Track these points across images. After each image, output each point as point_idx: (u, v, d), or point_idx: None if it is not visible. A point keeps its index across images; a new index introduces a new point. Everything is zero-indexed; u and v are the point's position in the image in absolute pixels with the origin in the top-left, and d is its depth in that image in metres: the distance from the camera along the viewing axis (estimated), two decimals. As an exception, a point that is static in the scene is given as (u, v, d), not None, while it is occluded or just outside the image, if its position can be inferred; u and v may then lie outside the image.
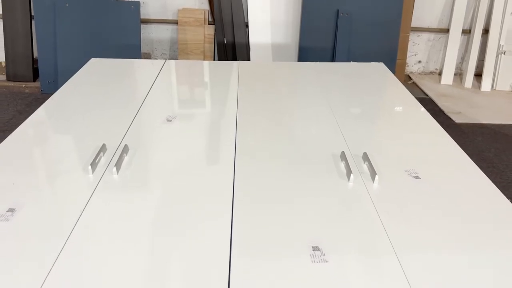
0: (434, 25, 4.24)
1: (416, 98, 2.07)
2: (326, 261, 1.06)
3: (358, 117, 1.84)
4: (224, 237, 1.12)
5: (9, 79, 3.83)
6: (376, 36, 3.64)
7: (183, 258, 1.05)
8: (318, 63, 2.48)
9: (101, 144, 1.50)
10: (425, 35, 4.28)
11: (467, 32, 4.20)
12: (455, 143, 1.66)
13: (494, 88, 4.15)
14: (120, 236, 1.11)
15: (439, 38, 4.30)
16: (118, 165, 1.40)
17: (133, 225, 1.15)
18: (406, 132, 1.75)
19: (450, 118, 3.55)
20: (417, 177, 1.42)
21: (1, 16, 3.78)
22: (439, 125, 1.79)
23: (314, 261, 1.06)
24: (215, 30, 3.98)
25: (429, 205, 1.29)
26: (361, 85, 2.20)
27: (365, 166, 1.46)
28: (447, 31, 4.20)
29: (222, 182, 1.36)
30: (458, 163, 1.53)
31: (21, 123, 1.69)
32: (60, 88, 2.05)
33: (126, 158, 1.46)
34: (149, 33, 4.10)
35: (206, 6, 4.03)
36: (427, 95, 4.00)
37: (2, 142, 1.55)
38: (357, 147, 1.58)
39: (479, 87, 4.15)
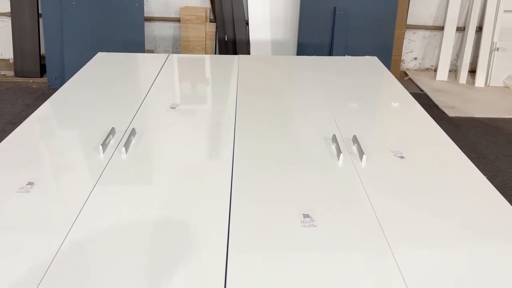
0: (429, 22, 4.35)
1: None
2: (315, 226, 1.18)
3: (350, 103, 1.96)
4: (224, 207, 1.24)
5: (17, 75, 3.96)
6: (371, 32, 3.76)
7: (185, 215, 1.17)
8: (315, 57, 2.60)
9: (110, 128, 1.63)
10: (420, 33, 4.40)
11: (461, 29, 4.32)
12: (438, 126, 1.77)
13: (487, 84, 4.26)
14: (127, 205, 1.24)
15: (435, 35, 4.41)
16: (126, 146, 1.52)
17: (139, 196, 1.28)
18: (393, 118, 1.87)
19: (444, 112, 3.66)
20: (402, 157, 1.54)
21: (10, 15, 3.91)
22: (424, 110, 1.91)
23: (304, 226, 1.18)
24: (216, 28, 4.10)
25: (412, 181, 1.40)
26: (354, 77, 2.31)
27: (354, 148, 1.58)
28: (442, 28, 4.31)
29: (221, 157, 1.48)
30: (440, 145, 1.64)
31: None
32: (70, 79, 2.17)
33: (133, 140, 1.59)
34: (152, 30, 4.23)
35: (208, 4, 4.15)
36: (422, 91, 4.12)
37: (20, 126, 1.68)
38: (347, 131, 1.70)
39: (473, 83, 4.27)
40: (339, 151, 1.52)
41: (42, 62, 3.97)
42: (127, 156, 1.49)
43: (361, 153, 1.51)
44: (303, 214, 1.23)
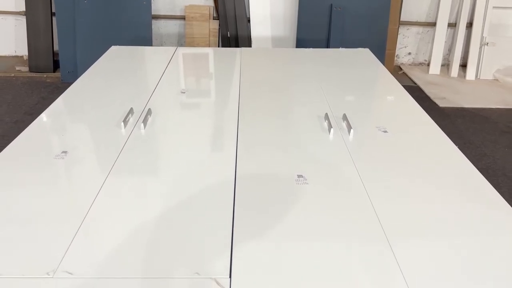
0: (422, 19, 4.57)
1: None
2: (307, 184, 1.40)
3: (342, 89, 2.18)
4: (230, 169, 1.46)
5: (31, 70, 4.19)
6: (366, 28, 3.98)
7: (197, 177, 1.39)
8: (311, 49, 2.82)
9: (129, 108, 1.85)
10: (414, 29, 4.62)
11: (452, 25, 4.53)
12: (421, 108, 1.99)
13: (478, 77, 4.47)
14: (147, 170, 1.46)
15: (427, 31, 4.63)
16: (144, 122, 1.74)
17: (157, 161, 1.50)
18: (380, 101, 2.09)
19: (435, 103, 3.87)
20: (385, 132, 1.76)
21: (25, 14, 4.14)
22: (408, 94, 2.13)
23: (298, 183, 1.39)
24: (219, 25, 4.33)
25: (392, 150, 1.62)
26: (347, 66, 2.53)
27: (343, 124, 1.80)
28: (434, 24, 4.53)
29: (227, 131, 1.70)
30: (421, 124, 1.86)
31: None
32: (89, 69, 2.39)
33: (150, 118, 1.81)
34: (158, 28, 4.45)
35: (211, 3, 4.37)
36: (415, 84, 4.33)
37: (49, 107, 1.90)
38: (338, 111, 1.91)
39: (464, 76, 4.48)
40: (330, 127, 1.74)
41: (55, 58, 4.19)
42: (145, 131, 1.71)
43: (349, 128, 1.73)
44: (297, 175, 1.44)
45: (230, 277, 1.02)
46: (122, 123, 1.72)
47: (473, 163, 1.56)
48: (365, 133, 1.74)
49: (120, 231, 1.16)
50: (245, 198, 1.31)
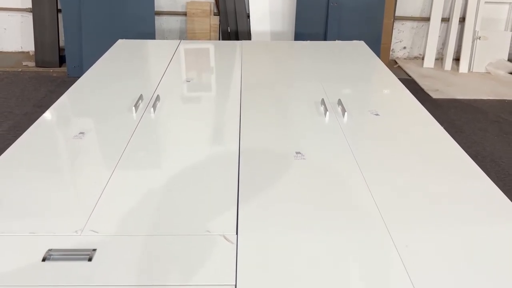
0: (417, 14, 4.71)
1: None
2: (304, 159, 1.54)
3: (337, 77, 2.32)
4: (234, 146, 1.60)
5: (38, 65, 4.32)
6: (362, 22, 4.12)
7: (204, 151, 1.53)
8: (309, 41, 2.96)
9: (139, 95, 1.98)
10: (409, 23, 4.76)
11: (446, 20, 4.67)
12: (412, 95, 2.13)
13: (470, 70, 4.61)
14: (158, 146, 1.60)
15: (422, 26, 4.77)
16: (154, 107, 1.88)
17: (168, 141, 1.64)
18: (373, 88, 2.23)
19: (429, 95, 4.02)
20: (377, 114, 1.90)
21: (31, 10, 4.27)
22: (399, 81, 2.27)
23: (296, 159, 1.53)
24: (219, 20, 4.46)
25: (382, 130, 1.76)
26: (343, 57, 2.67)
27: (338, 108, 1.94)
28: (428, 19, 4.66)
29: (230, 116, 1.84)
30: (412, 108, 2.00)
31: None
32: (98, 61, 2.52)
33: (158, 104, 1.94)
34: (161, 24, 4.59)
35: (212, -1, 4.51)
36: (410, 77, 4.47)
37: (64, 95, 2.04)
38: (333, 97, 2.05)
39: (458, 69, 4.62)
40: (326, 110, 1.88)
41: (60, 54, 4.32)
42: (155, 115, 1.85)
43: (343, 111, 1.87)
44: (295, 152, 1.58)
45: (237, 233, 1.16)
46: (133, 108, 1.85)
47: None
48: (358, 116, 1.88)
49: (137, 196, 1.30)
50: (248, 169, 1.45)
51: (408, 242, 1.14)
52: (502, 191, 1.37)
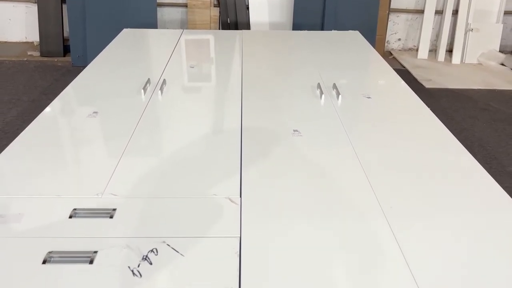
0: (411, 6, 4.84)
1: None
2: (301, 136, 1.68)
3: (332, 64, 2.45)
4: (236, 124, 1.74)
5: (42, 55, 4.44)
6: (358, 14, 4.25)
7: (209, 129, 1.67)
8: (306, 31, 3.09)
9: (146, 79, 2.12)
10: (403, 16, 4.89)
11: (439, 12, 4.80)
12: (401, 79, 2.27)
13: (463, 61, 4.75)
14: (166, 123, 1.74)
15: (416, 18, 4.90)
16: (161, 90, 2.01)
17: (175, 120, 1.78)
18: (366, 73, 2.37)
19: (421, 84, 4.16)
20: (369, 98, 2.04)
21: (36, 1, 4.38)
22: (391, 68, 2.41)
23: (293, 135, 1.67)
24: (219, 12, 4.58)
25: (372, 111, 1.91)
26: (338, 45, 2.81)
27: (333, 92, 2.07)
28: (422, 12, 4.79)
29: (232, 98, 1.97)
30: (402, 92, 2.14)
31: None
32: (104, 49, 2.65)
33: (165, 87, 2.08)
34: (162, 15, 4.70)
35: (212, -9, 4.63)
36: (404, 67, 4.61)
37: (75, 79, 2.16)
38: (329, 81, 2.19)
39: (450, 60, 4.76)
40: (321, 93, 2.02)
41: (65, 44, 4.44)
42: (162, 97, 1.98)
43: (338, 94, 2.01)
44: (293, 130, 1.72)
45: (240, 196, 1.30)
46: (142, 90, 1.99)
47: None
48: (351, 98, 2.02)
49: (150, 164, 1.44)
50: (250, 143, 1.59)
51: (392, 204, 1.29)
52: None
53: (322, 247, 1.12)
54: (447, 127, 1.84)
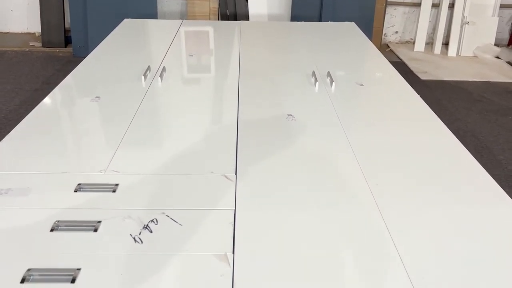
0: (408, -1, 4.91)
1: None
2: (295, 120, 1.75)
3: (327, 53, 2.52)
4: (233, 109, 1.81)
5: (44, 45, 4.50)
6: (355, 6, 4.31)
7: (208, 111, 1.74)
8: (303, 22, 3.16)
9: (146, 66, 2.19)
10: (401, 9, 4.95)
11: (436, 5, 4.86)
12: (393, 67, 2.34)
13: (459, 54, 4.82)
14: (166, 109, 1.81)
15: (413, 11, 4.96)
16: (161, 77, 2.08)
17: (174, 106, 1.85)
18: (361, 62, 2.44)
19: (417, 76, 4.22)
20: (361, 85, 2.11)
21: (37, -8, 4.44)
22: (384, 57, 2.48)
23: (287, 119, 1.75)
24: (219, 4, 4.64)
25: (364, 98, 1.98)
26: (334, 36, 2.88)
27: (327, 79, 2.15)
28: (419, 5, 4.85)
29: (229, 85, 2.05)
30: (393, 80, 2.21)
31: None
32: (105, 39, 2.71)
33: (165, 74, 2.15)
34: (162, 6, 4.76)
35: (211, -17, 4.68)
36: (401, 59, 4.67)
37: (78, 66, 2.23)
38: (323, 70, 2.26)
39: (447, 53, 4.82)
40: (316, 81, 2.09)
41: (66, 34, 4.50)
42: (162, 84, 2.05)
43: (331, 81, 2.08)
44: (287, 114, 1.80)
45: (236, 174, 1.37)
46: (143, 77, 2.06)
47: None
48: (344, 85, 2.09)
49: (150, 144, 1.53)
50: (245, 126, 1.67)
51: (378, 181, 1.37)
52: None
53: (309, 217, 1.20)
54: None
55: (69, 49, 4.45)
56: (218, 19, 4.70)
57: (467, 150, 1.57)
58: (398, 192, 1.32)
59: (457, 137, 1.74)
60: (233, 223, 1.16)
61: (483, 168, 1.46)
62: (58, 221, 1.14)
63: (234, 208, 1.22)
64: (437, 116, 1.83)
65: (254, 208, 1.23)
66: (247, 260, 1.04)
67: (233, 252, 1.06)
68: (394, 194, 1.31)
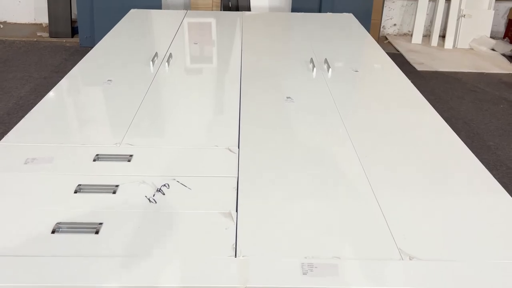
0: (406, -8, 5.02)
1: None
2: (293, 102, 1.89)
3: (325, 42, 2.66)
4: (235, 92, 1.95)
5: (51, 36, 4.63)
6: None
7: (211, 95, 1.88)
8: (303, 13, 3.29)
9: (154, 53, 2.32)
10: (399, 2, 5.06)
11: (433, -2, 4.98)
12: (387, 55, 2.47)
13: (455, 46, 4.94)
14: (173, 92, 1.95)
15: (411, 4, 5.07)
16: (168, 62, 2.22)
17: (180, 89, 1.99)
18: (357, 50, 2.57)
19: (414, 67, 4.35)
20: (356, 71, 2.24)
21: (45, -17, 4.56)
22: (380, 47, 2.61)
23: (286, 101, 1.89)
24: (221, -4, 4.76)
25: (358, 82, 2.12)
26: (332, 26, 3.01)
27: (324, 66, 2.28)
28: (417, -2, 4.98)
29: (232, 70, 2.18)
30: (388, 67, 2.35)
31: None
32: (113, 28, 2.84)
33: (171, 60, 2.28)
34: (166, -2, 4.88)
35: (214, -24, 4.80)
36: (398, 51, 4.80)
37: (88, 53, 2.37)
38: (321, 56, 2.39)
39: (443, 45, 4.95)
40: (313, 67, 2.23)
41: (73, 25, 4.63)
42: (169, 69, 2.19)
43: (328, 68, 2.22)
44: (286, 97, 1.93)
45: (238, 147, 1.51)
46: (151, 62, 2.20)
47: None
48: (340, 71, 2.23)
49: (161, 120, 1.67)
50: (247, 107, 1.81)
51: (366, 154, 1.50)
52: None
53: (304, 178, 1.34)
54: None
55: (76, 40, 4.58)
56: (221, 10, 4.82)
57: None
58: (387, 165, 1.46)
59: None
60: (236, 188, 1.30)
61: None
62: (80, 185, 1.28)
63: (237, 176, 1.36)
64: (427, 102, 1.96)
65: (254, 175, 1.37)
66: (248, 217, 1.18)
67: (237, 210, 1.20)
68: (378, 162, 1.45)
